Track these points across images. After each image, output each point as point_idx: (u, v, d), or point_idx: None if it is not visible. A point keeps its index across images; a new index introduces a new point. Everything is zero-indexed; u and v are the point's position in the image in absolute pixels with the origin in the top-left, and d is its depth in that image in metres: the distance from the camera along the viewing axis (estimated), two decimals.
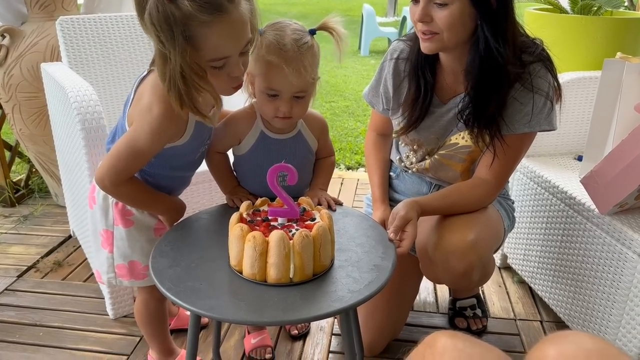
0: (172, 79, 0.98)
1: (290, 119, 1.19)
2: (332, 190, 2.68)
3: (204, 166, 1.34)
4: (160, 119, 1.05)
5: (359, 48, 7.44)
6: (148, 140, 1.07)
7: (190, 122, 1.13)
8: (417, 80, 1.34)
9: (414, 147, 1.43)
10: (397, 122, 1.42)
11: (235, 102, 1.30)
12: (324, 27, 1.17)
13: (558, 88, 1.27)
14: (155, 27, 0.94)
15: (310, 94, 1.19)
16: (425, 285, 1.85)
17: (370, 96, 1.50)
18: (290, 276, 0.97)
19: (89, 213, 1.31)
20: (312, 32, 1.16)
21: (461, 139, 1.35)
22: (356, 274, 1.00)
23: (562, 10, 2.05)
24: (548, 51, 1.26)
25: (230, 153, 1.34)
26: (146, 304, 1.35)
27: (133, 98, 1.14)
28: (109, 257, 1.27)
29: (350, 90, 5.16)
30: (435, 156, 1.39)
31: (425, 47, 1.23)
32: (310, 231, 0.98)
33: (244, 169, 1.31)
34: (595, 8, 1.98)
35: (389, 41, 7.58)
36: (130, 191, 1.16)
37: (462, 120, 1.29)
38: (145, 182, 1.20)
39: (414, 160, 1.45)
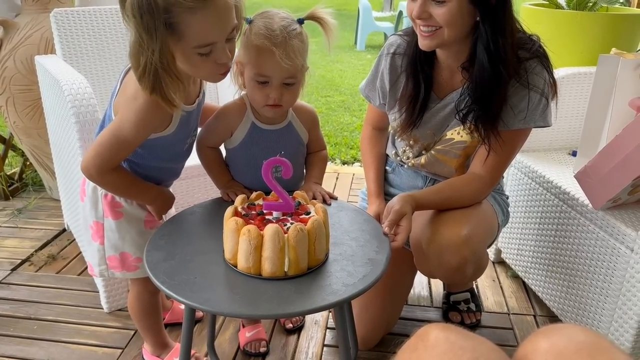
0: (147, 66, 0.97)
1: (280, 107, 1.20)
2: (328, 185, 2.68)
3: (197, 161, 1.35)
4: (145, 108, 1.05)
5: (355, 43, 7.42)
6: (133, 129, 1.08)
7: (176, 112, 1.12)
8: (415, 75, 1.33)
9: (410, 142, 1.43)
10: (393, 118, 1.42)
11: (226, 95, 1.30)
12: (312, 17, 1.18)
13: (554, 85, 1.27)
14: (136, 15, 0.93)
15: (299, 82, 1.20)
16: (420, 279, 1.86)
17: (367, 90, 1.50)
18: (285, 270, 0.97)
19: (80, 206, 1.31)
20: (301, 22, 1.17)
21: (456, 134, 1.35)
22: (351, 268, 1.01)
23: (557, 6, 2.05)
24: (545, 48, 1.26)
25: (222, 148, 1.34)
26: (139, 296, 1.35)
27: (119, 88, 1.14)
28: (100, 249, 1.27)
29: (346, 85, 5.15)
30: (432, 152, 1.40)
31: (424, 44, 1.23)
32: (305, 225, 0.98)
33: (236, 162, 1.31)
34: (591, 4, 1.98)
35: (385, 36, 7.56)
36: (116, 180, 1.16)
37: (458, 117, 1.29)
38: (134, 172, 1.20)
39: (410, 155, 1.45)
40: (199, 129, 1.31)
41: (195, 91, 1.20)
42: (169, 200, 1.29)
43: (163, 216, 1.30)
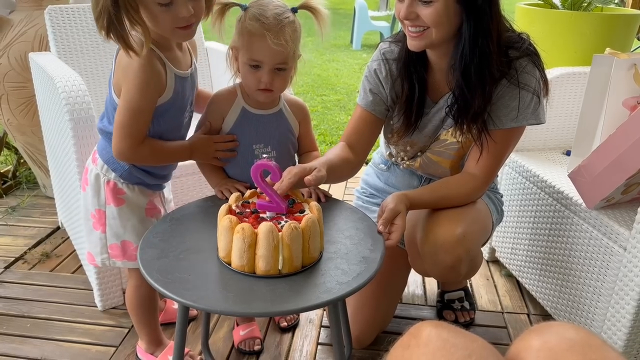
0: (102, 9, 1.01)
1: (272, 92, 1.23)
2: (322, 184, 2.67)
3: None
4: (142, 70, 1.09)
5: (351, 42, 7.42)
6: (139, 94, 1.11)
7: (169, 75, 1.16)
8: (409, 77, 1.32)
9: (407, 148, 1.43)
10: (396, 119, 1.40)
11: (221, 83, 1.32)
12: (305, 6, 1.22)
13: (545, 82, 1.27)
14: None
15: (290, 68, 1.23)
16: (414, 278, 1.86)
17: (364, 97, 1.44)
18: (279, 268, 0.97)
19: (81, 196, 1.32)
20: (294, 10, 1.21)
21: (450, 135, 1.35)
22: (345, 266, 1.01)
23: (552, 6, 2.06)
24: (535, 45, 1.26)
25: None
26: (138, 289, 1.35)
27: (114, 68, 1.17)
28: (102, 237, 1.29)
29: (342, 84, 5.16)
30: (427, 153, 1.40)
31: (412, 45, 1.23)
32: (300, 223, 0.98)
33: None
34: (586, 4, 1.99)
35: (381, 35, 7.57)
36: (151, 150, 1.19)
37: (451, 116, 1.29)
38: None
39: (405, 157, 1.45)
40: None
41: (186, 61, 1.23)
42: (206, 144, 1.28)
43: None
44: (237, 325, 1.57)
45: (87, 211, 1.30)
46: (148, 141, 1.18)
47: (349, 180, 2.78)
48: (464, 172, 1.34)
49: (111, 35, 1.05)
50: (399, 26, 1.33)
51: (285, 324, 1.63)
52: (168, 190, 1.42)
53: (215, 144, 1.28)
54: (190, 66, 1.24)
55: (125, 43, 1.06)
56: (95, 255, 1.32)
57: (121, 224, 1.27)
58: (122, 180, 1.25)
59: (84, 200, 1.31)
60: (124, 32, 1.05)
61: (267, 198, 1.06)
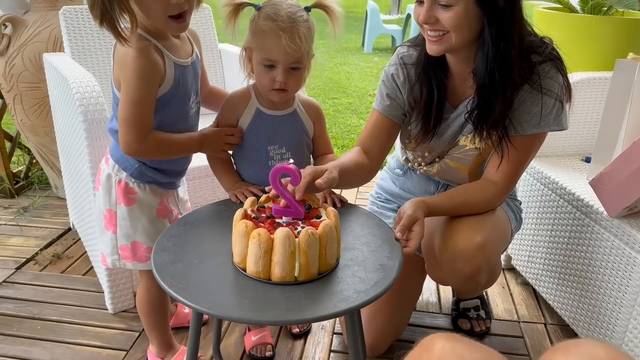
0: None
1: (286, 92, 1.22)
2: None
3: (205, 162, 1.35)
4: (137, 59, 1.09)
5: (363, 45, 7.41)
6: (138, 84, 1.10)
7: (168, 63, 1.15)
8: (428, 81, 1.30)
9: (425, 154, 1.40)
10: (414, 125, 1.38)
11: (234, 84, 1.31)
12: (318, 5, 1.21)
13: (568, 88, 1.24)
14: None
15: (305, 67, 1.22)
16: (428, 285, 1.83)
17: (380, 103, 1.38)
18: (295, 275, 0.95)
19: (95, 197, 1.32)
20: (307, 10, 1.21)
21: (469, 141, 1.32)
22: (362, 274, 0.98)
23: (572, 10, 2.03)
24: (558, 50, 1.24)
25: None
26: (148, 291, 1.34)
27: (113, 66, 1.17)
28: (113, 237, 1.28)
29: (353, 87, 5.14)
30: (445, 159, 1.37)
31: (432, 49, 1.20)
32: (316, 229, 0.96)
33: (242, 150, 1.31)
34: (606, 8, 1.95)
35: (393, 39, 7.55)
36: (158, 142, 1.17)
37: (471, 122, 1.26)
38: None
39: (423, 163, 1.42)
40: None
41: (186, 49, 1.22)
42: (217, 136, 1.28)
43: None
44: (249, 330, 1.55)
45: (100, 212, 1.30)
46: (154, 133, 1.16)
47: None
48: (484, 178, 1.31)
49: (104, 23, 1.06)
50: (411, 30, 1.31)
51: (298, 330, 1.61)
52: (183, 189, 1.41)
53: (225, 137, 1.28)
54: (191, 55, 1.23)
55: (117, 32, 1.07)
56: (106, 256, 1.31)
57: (131, 225, 1.26)
58: (133, 180, 1.24)
59: (97, 200, 1.30)
60: (116, 21, 1.06)
61: (282, 202, 1.04)
